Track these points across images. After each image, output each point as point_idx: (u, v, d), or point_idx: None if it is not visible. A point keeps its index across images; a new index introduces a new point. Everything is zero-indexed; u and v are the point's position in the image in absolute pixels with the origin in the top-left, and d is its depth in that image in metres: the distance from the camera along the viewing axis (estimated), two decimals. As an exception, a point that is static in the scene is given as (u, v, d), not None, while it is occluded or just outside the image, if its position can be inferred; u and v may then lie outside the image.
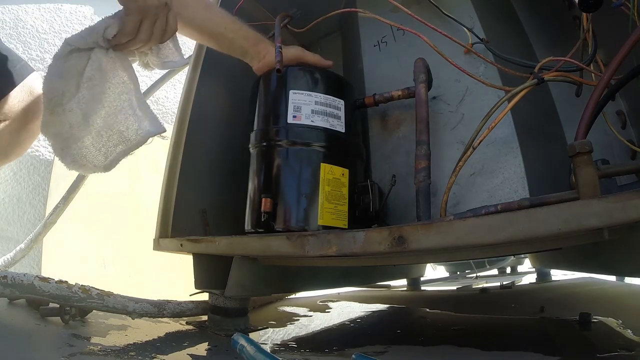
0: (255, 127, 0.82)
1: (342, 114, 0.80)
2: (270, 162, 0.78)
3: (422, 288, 1.73)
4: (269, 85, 0.83)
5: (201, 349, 0.68)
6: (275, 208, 0.73)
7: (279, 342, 0.75)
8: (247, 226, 0.78)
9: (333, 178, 0.75)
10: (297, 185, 0.75)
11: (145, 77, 1.76)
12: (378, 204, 0.78)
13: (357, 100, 0.85)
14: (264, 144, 0.79)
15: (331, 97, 0.79)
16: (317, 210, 0.73)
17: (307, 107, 0.77)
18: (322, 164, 0.75)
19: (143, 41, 0.66)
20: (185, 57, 0.79)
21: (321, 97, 0.79)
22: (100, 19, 0.67)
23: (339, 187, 0.76)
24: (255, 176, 0.79)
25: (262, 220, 0.73)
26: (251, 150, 0.82)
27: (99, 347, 0.60)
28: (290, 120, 0.77)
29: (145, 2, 0.63)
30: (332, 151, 0.77)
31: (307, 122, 0.77)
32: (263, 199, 0.73)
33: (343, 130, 0.79)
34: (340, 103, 0.80)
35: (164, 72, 1.40)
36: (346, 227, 0.75)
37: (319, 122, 0.77)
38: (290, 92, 0.78)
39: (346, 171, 0.77)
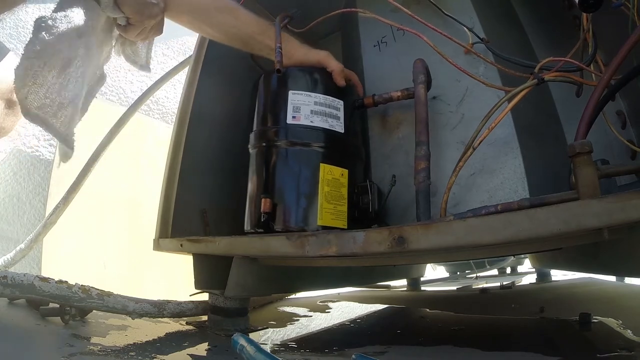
0: (254, 128, 0.82)
1: (341, 114, 0.80)
2: (270, 162, 0.78)
3: (422, 288, 1.73)
4: (268, 85, 0.83)
5: (201, 349, 0.68)
6: (274, 208, 0.73)
7: (279, 342, 0.75)
8: (247, 226, 0.78)
9: (332, 178, 0.75)
10: (296, 186, 0.75)
11: (145, 77, 1.76)
12: (377, 204, 0.78)
13: (357, 101, 0.85)
14: (264, 144, 0.79)
15: (330, 98, 0.79)
16: (316, 211, 0.73)
17: (307, 108, 0.77)
18: (321, 164, 0.75)
19: (138, 39, 0.72)
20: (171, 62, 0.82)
21: (320, 97, 0.78)
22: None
23: (338, 187, 0.76)
24: (254, 176, 0.79)
25: (262, 220, 0.73)
26: (250, 150, 0.82)
27: (99, 347, 0.60)
28: (289, 120, 0.77)
29: (150, 14, 0.68)
30: (332, 151, 0.77)
31: (307, 122, 0.77)
32: (262, 200, 0.73)
33: (342, 131, 0.79)
34: (340, 103, 0.80)
35: (164, 72, 1.41)
36: (345, 227, 0.75)
37: (318, 122, 0.77)
38: (290, 92, 0.78)
39: (345, 171, 0.77)
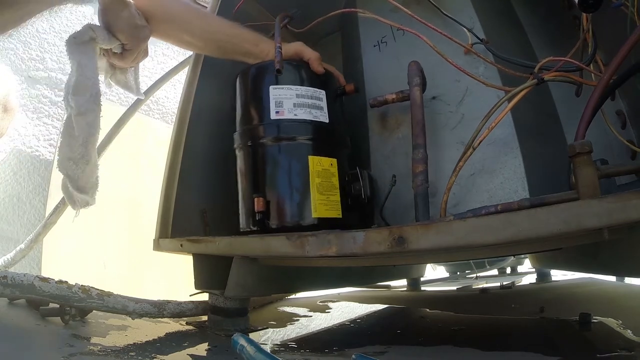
0: (238, 128, 0.82)
1: (324, 104, 0.79)
2: (258, 160, 0.77)
3: (422, 288, 1.73)
4: (247, 83, 0.83)
5: (201, 349, 0.68)
6: (268, 206, 0.73)
7: (279, 342, 0.75)
8: (242, 226, 0.78)
9: (322, 169, 0.75)
10: (287, 181, 0.75)
11: (146, 77, 1.76)
12: (370, 190, 0.77)
13: (338, 89, 0.85)
14: (249, 143, 0.78)
15: (312, 89, 0.79)
16: (309, 204, 0.73)
17: (289, 101, 0.77)
18: (309, 156, 0.75)
19: (133, 64, 0.75)
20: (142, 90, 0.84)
21: (302, 89, 0.78)
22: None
23: (329, 177, 0.75)
24: (244, 176, 0.79)
25: (257, 219, 0.73)
26: (237, 152, 0.81)
27: (99, 347, 0.60)
28: (273, 116, 0.76)
29: (144, 36, 0.70)
30: (319, 142, 0.77)
31: (290, 116, 0.76)
32: (255, 199, 0.73)
33: (327, 121, 0.78)
34: (322, 93, 0.80)
35: (164, 72, 1.41)
36: (340, 216, 0.75)
37: (302, 114, 0.76)
38: (271, 87, 0.78)
39: (334, 161, 0.77)
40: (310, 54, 0.82)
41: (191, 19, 0.80)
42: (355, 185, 0.77)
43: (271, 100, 0.77)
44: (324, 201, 0.74)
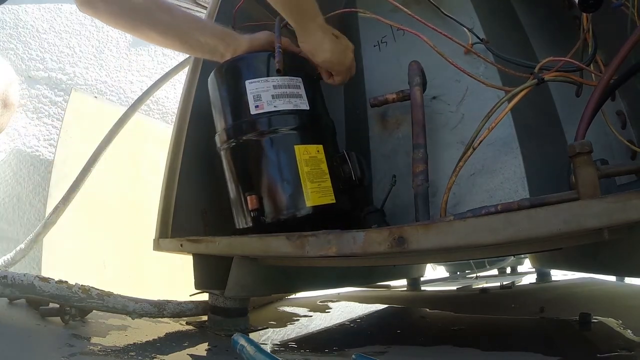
0: (219, 128, 0.81)
1: (302, 91, 0.78)
2: (244, 158, 0.77)
3: (422, 288, 1.73)
4: (221, 81, 0.82)
5: (201, 349, 0.68)
6: (261, 202, 0.73)
7: (279, 342, 0.75)
8: (238, 225, 0.78)
9: (310, 157, 0.74)
10: (277, 175, 0.74)
11: (145, 77, 1.76)
12: (360, 171, 0.77)
13: (314, 73, 0.84)
14: (233, 142, 0.77)
15: (288, 77, 0.77)
16: (302, 194, 0.72)
17: (267, 94, 0.75)
18: (295, 146, 0.74)
19: None
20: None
21: (278, 79, 0.76)
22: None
23: (318, 164, 0.75)
24: (232, 176, 0.79)
25: (252, 217, 0.73)
26: (221, 152, 0.80)
27: (99, 347, 0.60)
28: (253, 111, 0.75)
29: None
30: (302, 131, 0.76)
31: (270, 108, 0.74)
32: (248, 197, 0.72)
33: (307, 108, 0.77)
34: (299, 81, 0.78)
35: (164, 72, 1.41)
36: (334, 201, 0.74)
37: (282, 105, 0.75)
38: (246, 82, 0.76)
39: (320, 147, 0.76)
40: (281, 41, 0.79)
41: (156, 10, 0.77)
42: (345, 168, 0.76)
43: (249, 95, 0.75)
44: (316, 189, 0.73)
